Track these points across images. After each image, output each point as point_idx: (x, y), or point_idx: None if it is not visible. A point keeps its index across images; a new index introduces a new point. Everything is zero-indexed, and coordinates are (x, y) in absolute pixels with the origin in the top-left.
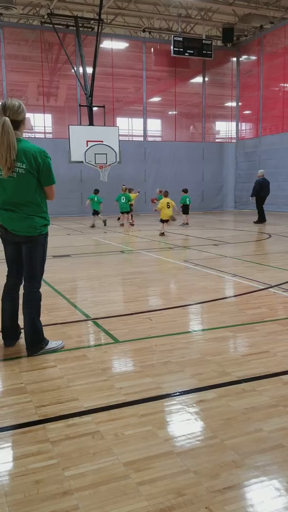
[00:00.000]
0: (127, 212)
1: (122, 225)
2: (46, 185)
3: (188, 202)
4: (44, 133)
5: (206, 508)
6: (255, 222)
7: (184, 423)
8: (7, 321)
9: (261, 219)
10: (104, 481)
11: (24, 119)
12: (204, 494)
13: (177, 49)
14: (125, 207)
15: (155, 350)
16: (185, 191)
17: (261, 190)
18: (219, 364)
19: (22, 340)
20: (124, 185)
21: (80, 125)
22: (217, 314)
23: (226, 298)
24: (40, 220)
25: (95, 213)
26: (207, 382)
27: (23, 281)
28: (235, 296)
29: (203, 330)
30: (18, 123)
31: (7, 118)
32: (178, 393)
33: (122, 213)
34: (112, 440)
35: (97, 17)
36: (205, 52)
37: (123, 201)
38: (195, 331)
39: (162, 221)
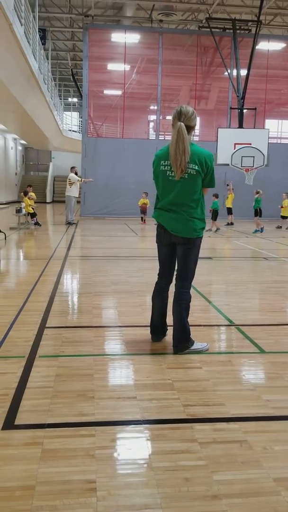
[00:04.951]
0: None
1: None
2: (206, 187)
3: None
4: (193, 136)
5: None
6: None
7: None
8: (157, 318)
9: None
10: (253, 493)
11: (195, 125)
12: None
13: None
14: None
15: None
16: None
17: None
18: None
19: (167, 337)
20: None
21: (230, 127)
22: None
23: None
24: (200, 223)
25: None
26: None
27: (174, 280)
28: None
29: None
30: (190, 128)
31: (182, 124)
32: None
33: None
34: (260, 452)
35: (256, 19)
36: None
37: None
38: None
39: (283, 217)
